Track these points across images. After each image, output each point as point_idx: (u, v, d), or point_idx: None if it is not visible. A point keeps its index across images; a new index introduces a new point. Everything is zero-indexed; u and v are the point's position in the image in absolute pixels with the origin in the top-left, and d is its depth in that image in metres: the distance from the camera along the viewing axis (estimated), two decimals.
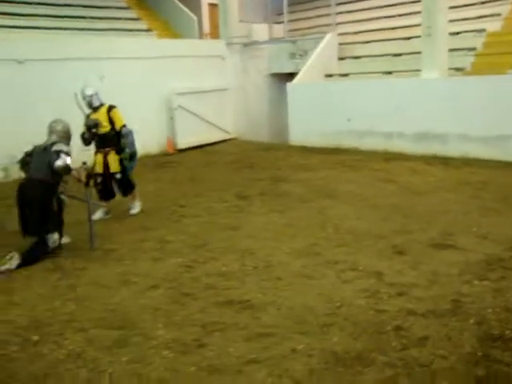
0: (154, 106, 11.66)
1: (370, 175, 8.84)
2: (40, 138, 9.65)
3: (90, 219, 5.87)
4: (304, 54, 13.88)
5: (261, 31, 14.64)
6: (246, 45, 13.97)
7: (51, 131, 5.88)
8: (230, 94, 13.35)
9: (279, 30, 15.07)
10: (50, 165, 5.46)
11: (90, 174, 6.08)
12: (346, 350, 3.49)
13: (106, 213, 6.96)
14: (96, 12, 13.58)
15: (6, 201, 7.94)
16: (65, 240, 5.85)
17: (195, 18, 14.55)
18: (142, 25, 14.34)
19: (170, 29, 14.67)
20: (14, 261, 5.17)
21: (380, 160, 10.01)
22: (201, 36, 15.19)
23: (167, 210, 7.10)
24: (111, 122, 6.68)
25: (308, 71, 12.65)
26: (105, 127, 6.69)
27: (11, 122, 9.37)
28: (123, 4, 14.89)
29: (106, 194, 6.90)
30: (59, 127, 5.91)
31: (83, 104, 6.76)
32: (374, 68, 12.30)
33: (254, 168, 9.83)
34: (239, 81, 13.79)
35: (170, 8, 14.94)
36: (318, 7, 16.14)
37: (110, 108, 6.74)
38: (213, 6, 16.48)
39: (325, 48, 13.11)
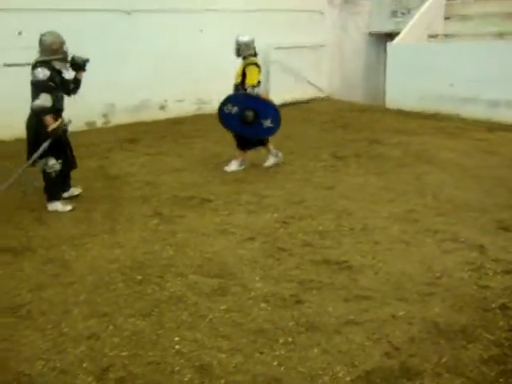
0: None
1: (472, 144, 8.31)
2: (138, 88, 10.16)
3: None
4: (407, 12, 13.14)
5: None
6: (346, 0, 13.40)
7: (40, 47, 5.26)
8: (327, 50, 12.96)
9: None
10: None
11: (59, 132, 5.29)
12: (448, 323, 3.35)
13: (241, 163, 6.94)
14: None
15: (105, 145, 8.35)
16: (62, 208, 5.52)
17: None
18: None
19: None
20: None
21: (483, 129, 9.37)
22: None
23: (262, 165, 7.09)
24: (244, 76, 6.60)
25: (410, 31, 11.94)
26: (236, 78, 6.69)
27: (113, 71, 9.65)
28: None
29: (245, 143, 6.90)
30: (48, 41, 5.24)
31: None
32: (484, 29, 11.41)
33: (349, 129, 9.56)
34: (336, 38, 13.33)
35: None
36: None
37: (250, 63, 6.63)
38: None
39: (430, 6, 12.29)
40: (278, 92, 11.86)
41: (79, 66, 5.57)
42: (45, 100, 5.14)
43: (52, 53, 5.28)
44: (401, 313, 3.45)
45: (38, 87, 5.17)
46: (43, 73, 5.16)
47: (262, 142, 6.97)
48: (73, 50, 7.78)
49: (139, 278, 3.96)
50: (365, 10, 13.79)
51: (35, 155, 5.33)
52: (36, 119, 5.28)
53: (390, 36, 13.23)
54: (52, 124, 5.24)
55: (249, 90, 6.57)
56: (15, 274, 4.11)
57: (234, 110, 6.64)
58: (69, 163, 5.70)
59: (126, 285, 3.86)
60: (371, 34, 14.08)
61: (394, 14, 13.39)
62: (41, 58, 5.27)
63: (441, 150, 7.84)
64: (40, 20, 8.94)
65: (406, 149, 7.92)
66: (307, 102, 12.42)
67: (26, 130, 5.44)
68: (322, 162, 7.26)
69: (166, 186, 6.31)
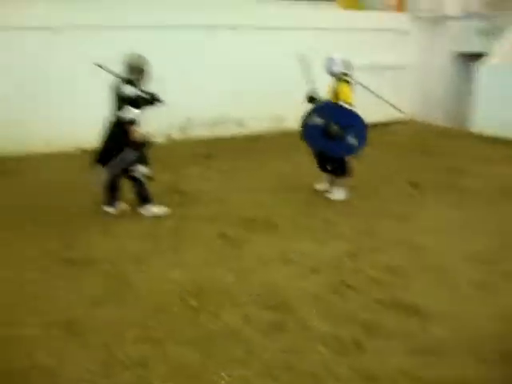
0: (327, 80, 11.33)
1: None
2: (216, 102, 10.23)
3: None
4: (499, 32, 12.40)
5: (452, 5, 13.32)
6: (433, 19, 12.86)
7: (125, 65, 5.60)
8: (409, 71, 12.48)
9: (472, 4, 13.60)
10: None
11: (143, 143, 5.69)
12: None
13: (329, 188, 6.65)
14: None
15: (181, 159, 8.40)
16: (158, 211, 5.81)
17: None
18: None
19: None
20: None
21: None
22: (385, 8, 14.35)
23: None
24: (335, 94, 6.39)
25: (502, 53, 11.25)
26: (329, 94, 6.48)
27: (192, 85, 9.77)
28: None
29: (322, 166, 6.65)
30: (132, 61, 5.60)
31: (308, 68, 6.41)
32: None
33: (430, 154, 9.06)
34: (420, 58, 12.79)
35: None
36: None
37: (342, 81, 6.41)
38: None
39: None
40: (359, 113, 11.54)
41: (151, 101, 5.77)
42: (132, 113, 5.52)
43: (136, 73, 5.64)
44: (475, 375, 3.08)
45: (125, 101, 5.53)
46: (131, 89, 5.54)
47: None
48: (154, 63, 8.01)
49: (196, 304, 3.84)
50: (452, 29, 13.15)
51: (118, 163, 5.67)
52: (119, 129, 5.59)
53: (479, 57, 12.55)
54: (137, 135, 5.61)
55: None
56: (75, 287, 4.12)
57: (320, 121, 6.36)
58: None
59: (182, 310, 3.76)
60: (458, 55, 13.40)
61: (483, 34, 12.68)
62: (125, 76, 5.62)
63: None
64: (124, 36, 9.30)
65: (491, 181, 7.36)
66: (387, 124, 11.99)
67: (106, 138, 5.71)
68: (398, 189, 6.89)
69: (235, 205, 6.21)
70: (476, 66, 11.27)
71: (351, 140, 6.39)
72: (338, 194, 6.51)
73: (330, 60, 6.42)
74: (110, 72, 5.69)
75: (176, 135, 10.09)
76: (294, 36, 10.62)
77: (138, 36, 9.38)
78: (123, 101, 5.58)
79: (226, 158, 8.76)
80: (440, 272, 4.44)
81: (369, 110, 11.46)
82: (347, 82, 6.40)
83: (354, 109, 6.42)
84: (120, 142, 5.66)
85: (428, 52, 12.87)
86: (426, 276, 4.36)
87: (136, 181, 5.82)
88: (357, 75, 11.40)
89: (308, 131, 6.48)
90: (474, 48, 12.54)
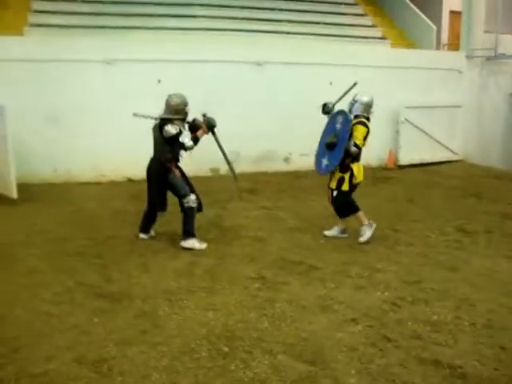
0: (379, 117, 11.07)
1: None
2: (264, 138, 10.23)
3: (224, 156, 6.04)
4: None
5: (508, 43, 12.99)
6: (489, 58, 12.54)
7: (165, 105, 5.81)
8: (463, 111, 12.15)
9: None
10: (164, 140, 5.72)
11: (212, 125, 5.86)
12: None
13: (342, 231, 6.46)
14: (332, 18, 13.57)
15: (226, 193, 8.37)
16: (200, 246, 5.90)
17: (434, 27, 13.55)
18: (377, 32, 13.89)
19: (406, 38, 13.92)
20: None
21: None
22: (438, 46, 14.16)
23: (380, 232, 6.55)
24: (351, 135, 6.12)
25: None
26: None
27: (241, 119, 9.84)
28: (360, 11, 14.66)
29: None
30: (173, 102, 5.76)
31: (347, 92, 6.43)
32: None
33: (482, 198, 8.68)
34: (475, 98, 12.46)
35: (408, 16, 14.17)
36: None
37: (358, 122, 6.16)
38: (455, 13, 15.24)
39: None
40: (407, 152, 11.32)
41: (197, 127, 5.91)
42: (187, 138, 5.75)
43: (175, 112, 5.80)
44: None
45: (171, 141, 5.74)
46: (174, 127, 5.73)
47: (354, 210, 6.30)
48: (207, 97, 8.12)
49: (226, 349, 3.71)
50: (508, 68, 12.78)
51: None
52: (161, 165, 5.88)
53: None
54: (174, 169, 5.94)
55: (352, 149, 6.05)
56: (108, 324, 4.08)
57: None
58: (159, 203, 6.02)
59: (211, 355, 3.63)
60: None
61: None
62: (165, 116, 5.80)
63: None
64: (176, 70, 9.53)
65: None
66: (437, 164, 11.66)
67: (153, 177, 5.97)
68: (446, 236, 6.57)
69: (275, 245, 6.09)
70: None
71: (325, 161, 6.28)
72: (366, 234, 6.25)
73: (353, 102, 6.29)
74: (149, 117, 5.86)
75: (223, 169, 10.14)
76: (346, 73, 10.56)
77: (193, 69, 9.66)
78: (169, 141, 5.75)
79: (270, 195, 8.71)
80: (488, 331, 4.11)
81: (419, 149, 11.31)
82: (363, 123, 6.16)
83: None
84: (163, 176, 5.86)
85: (483, 91, 12.52)
86: (472, 334, 4.05)
87: (186, 211, 5.90)
88: (409, 114, 11.31)
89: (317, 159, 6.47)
90: None
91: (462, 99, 12.08)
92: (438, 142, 11.77)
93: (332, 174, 6.30)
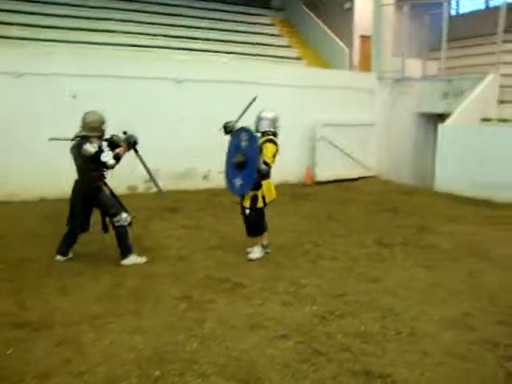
0: (296, 135, 11.46)
1: None
2: (184, 155, 10.12)
3: (149, 174, 5.94)
4: (459, 94, 12.86)
5: (413, 67, 13.88)
6: (397, 80, 13.31)
7: (81, 123, 5.67)
8: (376, 129, 12.76)
9: (433, 67, 14.20)
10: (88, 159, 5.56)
11: (133, 142, 5.75)
12: None
13: (266, 247, 6.40)
14: (248, 37, 13.84)
15: (146, 212, 8.13)
16: (140, 260, 5.90)
17: (347, 49, 14.22)
18: (293, 53, 14.34)
19: (320, 58, 14.50)
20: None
21: None
22: (350, 68, 14.82)
23: (302, 247, 6.67)
24: (261, 149, 6.04)
25: (463, 113, 11.63)
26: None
27: (161, 137, 9.68)
28: (276, 31, 15.06)
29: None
30: (89, 119, 5.64)
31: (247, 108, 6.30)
32: None
33: (396, 212, 9.10)
34: (386, 117, 13.15)
35: (322, 38, 14.80)
36: (481, 44, 14.93)
37: (267, 141, 6.11)
38: (364, 38, 16.05)
39: (484, 89, 12.01)
40: (324, 169, 11.66)
41: (116, 144, 5.81)
42: (108, 157, 5.60)
43: (92, 130, 5.66)
44: None
45: (91, 159, 5.59)
46: (93, 146, 5.58)
47: (262, 231, 6.30)
48: (125, 113, 7.86)
49: (156, 373, 3.55)
50: (415, 90, 13.63)
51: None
52: (88, 185, 5.73)
53: (441, 117, 12.95)
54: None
55: (262, 167, 5.98)
56: (24, 356, 3.78)
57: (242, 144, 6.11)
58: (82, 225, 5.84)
59: (141, 381, 3.45)
60: (421, 115, 13.84)
61: (445, 95, 13.15)
62: (81, 134, 5.66)
63: (496, 244, 7.24)
64: (95, 85, 9.22)
65: (458, 239, 7.37)
66: (352, 180, 12.10)
67: (80, 198, 5.76)
68: (366, 249, 6.79)
69: (199, 264, 5.99)
70: (438, 126, 11.59)
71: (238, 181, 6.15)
72: (256, 253, 6.27)
73: (259, 119, 6.27)
74: (66, 139, 5.73)
75: (142, 187, 9.91)
76: (263, 91, 10.71)
77: (108, 85, 9.38)
78: (88, 160, 5.58)
79: (191, 213, 8.60)
80: (412, 338, 4.26)
81: (335, 166, 11.69)
82: (273, 141, 6.16)
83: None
84: (91, 196, 5.73)
85: (393, 111, 13.23)
86: (398, 343, 4.17)
87: (119, 230, 5.78)
88: (325, 132, 11.68)
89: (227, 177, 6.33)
90: (437, 109, 12.98)
91: (374, 118, 12.70)
92: (353, 158, 12.24)
93: None
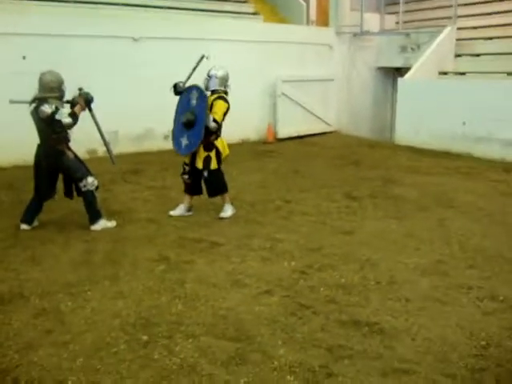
0: (256, 92, 11.26)
1: (490, 186, 7.95)
2: (142, 116, 9.79)
3: (101, 135, 5.77)
4: (417, 48, 12.94)
5: (372, 21, 13.76)
6: (355, 35, 13.22)
7: (39, 84, 5.40)
8: (335, 84, 12.72)
9: (391, 21, 14.18)
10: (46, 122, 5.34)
11: (89, 99, 5.54)
12: None
13: (188, 209, 6.25)
14: None
15: (107, 175, 7.88)
16: (111, 224, 5.78)
17: (304, 3, 13.93)
18: (249, 8, 13.93)
19: (277, 13, 14.15)
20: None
21: (499, 170, 9.01)
22: (307, 23, 14.58)
23: (273, 204, 6.65)
24: (210, 108, 5.89)
25: (421, 67, 11.71)
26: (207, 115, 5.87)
27: (118, 98, 9.32)
28: None
29: (192, 189, 6.22)
30: (46, 79, 5.38)
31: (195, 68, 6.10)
32: (495, 68, 11.19)
33: (360, 166, 9.19)
34: (344, 72, 13.11)
35: None
36: None
37: (218, 97, 5.94)
38: None
39: (441, 43, 12.08)
40: (285, 125, 11.59)
41: (73, 103, 5.58)
42: (63, 115, 5.38)
43: (49, 91, 5.40)
44: None
45: (49, 120, 5.33)
46: (50, 107, 5.32)
47: (224, 189, 6.18)
48: (80, 74, 7.46)
49: (144, 338, 3.47)
50: (373, 44, 13.61)
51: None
52: (51, 149, 5.47)
53: (399, 71, 13.03)
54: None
55: (211, 124, 5.83)
56: (2, 329, 3.62)
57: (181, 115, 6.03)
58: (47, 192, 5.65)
59: (130, 347, 3.37)
60: (380, 69, 13.88)
61: (403, 49, 13.20)
62: (39, 95, 5.39)
63: (459, 192, 7.46)
64: (47, 45, 8.71)
65: (423, 190, 7.53)
66: (313, 135, 12.10)
67: (44, 163, 5.50)
68: (336, 203, 6.84)
69: (171, 225, 5.87)
70: (398, 80, 11.66)
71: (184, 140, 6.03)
72: (228, 211, 6.19)
73: (208, 77, 6.09)
74: (26, 102, 5.44)
75: (101, 150, 9.55)
76: (220, 48, 10.42)
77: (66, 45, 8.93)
78: (47, 121, 5.34)
79: (154, 175, 8.41)
80: (392, 287, 4.35)
81: (296, 122, 11.63)
82: (224, 98, 6.03)
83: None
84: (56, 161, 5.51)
85: (352, 66, 13.19)
86: (380, 292, 4.25)
87: (86, 195, 5.59)
88: (285, 88, 11.55)
89: (174, 135, 6.19)
90: (395, 63, 13.03)
91: (333, 73, 12.62)
92: (314, 114, 12.20)
93: (195, 153, 6.02)
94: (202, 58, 6.16)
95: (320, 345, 3.41)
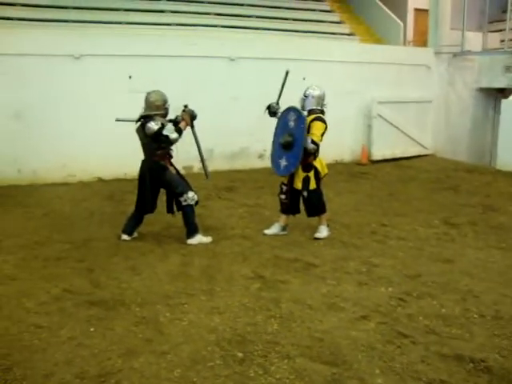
0: (351, 112, 11.16)
1: None
2: (238, 135, 10.01)
3: (199, 151, 5.94)
4: None
5: (473, 40, 13.26)
6: (455, 55, 12.75)
7: (145, 103, 5.71)
8: (433, 106, 12.31)
9: (494, 40, 13.56)
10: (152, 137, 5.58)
11: (194, 115, 5.78)
12: None
13: (283, 228, 6.24)
14: (300, 14, 13.53)
15: (202, 192, 8.10)
16: (206, 240, 5.87)
17: (401, 23, 13.70)
18: (345, 29, 13.94)
19: (373, 34, 14.04)
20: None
21: None
22: (404, 43, 14.31)
23: (368, 227, 6.51)
24: (309, 131, 5.87)
25: None
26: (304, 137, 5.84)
27: (215, 116, 9.58)
28: (327, 7, 14.67)
29: (289, 209, 6.19)
30: (152, 98, 5.67)
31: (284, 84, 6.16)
32: None
33: (458, 191, 8.78)
34: (443, 93, 12.64)
35: (375, 13, 14.29)
36: None
37: (316, 119, 5.91)
38: (419, 11, 15.48)
39: None
40: (380, 147, 11.36)
41: (176, 122, 5.81)
42: (170, 131, 5.60)
43: (155, 109, 5.69)
44: None
45: (155, 136, 5.59)
46: (156, 123, 5.58)
47: (323, 209, 6.10)
48: (179, 93, 7.80)
49: (240, 355, 3.49)
50: (474, 64, 13.04)
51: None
52: (154, 165, 5.73)
53: (502, 92, 12.37)
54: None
55: (309, 146, 5.78)
56: (106, 334, 3.79)
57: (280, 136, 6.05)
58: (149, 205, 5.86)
59: (226, 363, 3.40)
60: (480, 90, 13.25)
61: (507, 69, 12.52)
62: (145, 113, 5.69)
63: None
64: (147, 66, 9.20)
65: None
66: (408, 158, 11.75)
67: (148, 178, 5.74)
68: (434, 229, 6.56)
69: (265, 243, 5.90)
70: (500, 101, 11.08)
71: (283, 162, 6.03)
72: (323, 232, 6.10)
73: (305, 97, 6.06)
74: (131, 120, 5.75)
75: (197, 167, 9.86)
76: (319, 68, 10.47)
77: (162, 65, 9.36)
78: (154, 138, 5.60)
79: (249, 192, 8.54)
80: (499, 322, 4.06)
81: (391, 144, 11.36)
82: (322, 120, 5.94)
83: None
84: (157, 175, 5.74)
85: (450, 87, 12.72)
86: (485, 326, 3.98)
87: (186, 209, 5.76)
88: (381, 109, 11.33)
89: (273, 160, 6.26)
90: (498, 83, 12.40)
91: (431, 94, 12.24)
92: (410, 136, 11.87)
93: (294, 173, 6.00)
94: (287, 73, 6.19)
95: (420, 377, 3.25)
